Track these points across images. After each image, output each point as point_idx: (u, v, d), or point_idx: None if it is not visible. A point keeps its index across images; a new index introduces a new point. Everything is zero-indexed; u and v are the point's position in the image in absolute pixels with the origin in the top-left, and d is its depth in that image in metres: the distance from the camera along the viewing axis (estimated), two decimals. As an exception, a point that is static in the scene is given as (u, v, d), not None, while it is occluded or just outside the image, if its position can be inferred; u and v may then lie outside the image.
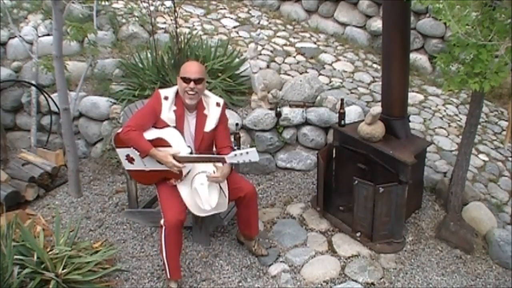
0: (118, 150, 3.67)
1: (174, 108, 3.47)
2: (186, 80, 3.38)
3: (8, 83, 5.20)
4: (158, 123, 3.48)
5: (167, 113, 3.45)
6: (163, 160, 3.38)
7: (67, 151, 4.41)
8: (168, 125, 3.47)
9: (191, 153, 3.43)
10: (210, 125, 3.52)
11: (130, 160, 3.61)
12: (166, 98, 3.46)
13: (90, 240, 3.95)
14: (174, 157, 3.36)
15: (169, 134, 3.44)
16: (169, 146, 3.40)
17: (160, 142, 3.41)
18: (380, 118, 3.89)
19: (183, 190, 3.47)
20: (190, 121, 3.53)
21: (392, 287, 3.64)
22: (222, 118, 3.58)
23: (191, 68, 3.43)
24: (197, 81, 3.38)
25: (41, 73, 4.88)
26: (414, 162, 3.72)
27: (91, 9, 5.16)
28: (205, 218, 3.84)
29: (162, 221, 3.38)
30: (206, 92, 3.58)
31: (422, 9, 6.00)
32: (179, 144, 3.43)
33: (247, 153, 3.26)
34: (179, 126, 3.48)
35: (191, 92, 3.40)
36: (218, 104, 3.56)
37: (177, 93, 3.49)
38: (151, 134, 3.45)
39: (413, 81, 5.81)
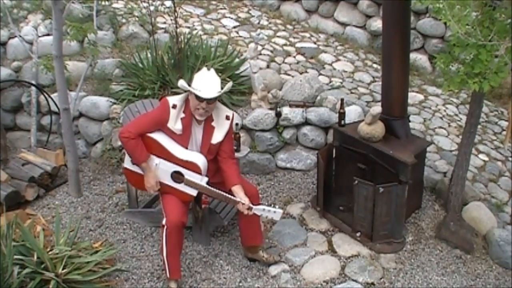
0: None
1: (182, 115, 3.38)
2: (199, 98, 3.27)
3: (8, 83, 5.20)
4: (163, 130, 3.43)
5: (174, 122, 3.37)
6: (147, 177, 3.40)
7: (67, 151, 4.41)
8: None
9: (207, 183, 3.40)
10: (217, 138, 3.44)
11: None
12: (174, 106, 3.36)
13: (90, 240, 3.96)
14: (197, 184, 3.35)
15: (165, 138, 3.42)
16: (164, 149, 3.38)
17: (155, 144, 3.39)
18: (380, 118, 3.89)
19: None
20: (197, 130, 3.45)
21: (392, 287, 3.64)
22: (230, 131, 3.51)
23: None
24: (210, 100, 3.29)
25: (41, 73, 4.88)
26: (414, 162, 3.72)
27: (91, 9, 5.16)
28: (205, 217, 3.84)
29: (164, 221, 3.38)
30: (217, 103, 3.46)
31: (422, 9, 5.99)
32: (173, 146, 3.40)
33: (274, 212, 3.35)
34: (185, 135, 3.41)
35: (202, 111, 3.32)
36: (227, 118, 3.47)
37: (186, 99, 3.39)
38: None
39: (413, 81, 5.81)
